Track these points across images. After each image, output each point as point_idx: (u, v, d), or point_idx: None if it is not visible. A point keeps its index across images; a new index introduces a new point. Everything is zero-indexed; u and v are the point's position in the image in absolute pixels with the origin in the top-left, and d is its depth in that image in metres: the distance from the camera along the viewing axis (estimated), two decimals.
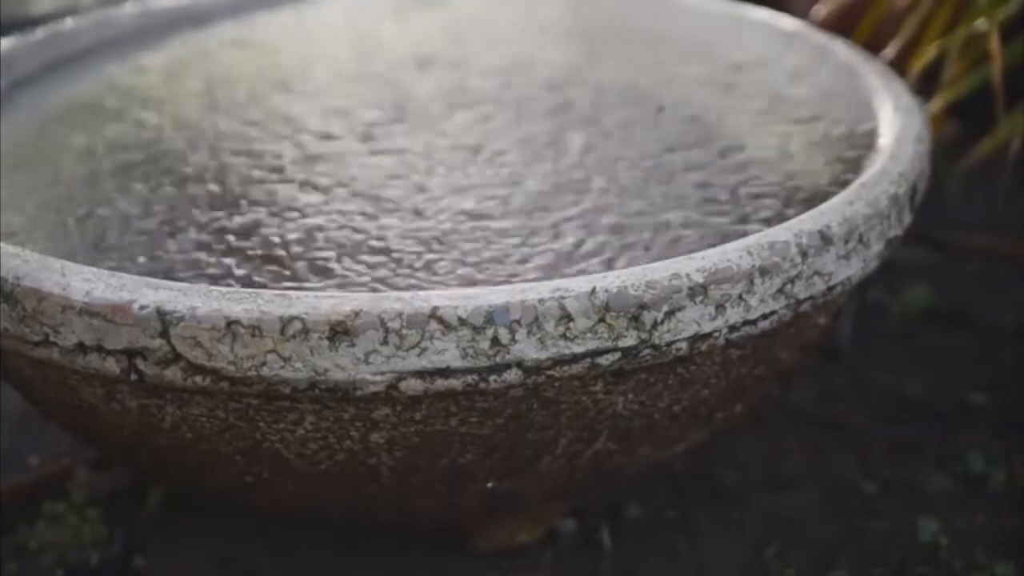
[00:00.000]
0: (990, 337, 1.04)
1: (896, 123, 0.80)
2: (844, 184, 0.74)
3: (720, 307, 0.64)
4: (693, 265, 0.64)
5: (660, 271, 0.63)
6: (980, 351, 1.02)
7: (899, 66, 0.99)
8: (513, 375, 0.62)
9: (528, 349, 0.61)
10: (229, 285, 0.69)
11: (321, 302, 0.61)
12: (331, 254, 0.73)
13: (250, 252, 0.73)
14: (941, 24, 1.01)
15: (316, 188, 0.80)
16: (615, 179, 0.81)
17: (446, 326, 0.60)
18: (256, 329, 0.60)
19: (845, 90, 0.88)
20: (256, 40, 1.04)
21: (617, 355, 0.63)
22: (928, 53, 1.00)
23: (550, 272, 0.70)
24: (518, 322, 0.61)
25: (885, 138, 0.79)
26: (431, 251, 0.73)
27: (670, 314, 0.63)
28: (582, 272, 0.70)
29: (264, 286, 0.69)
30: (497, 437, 0.66)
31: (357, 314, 0.60)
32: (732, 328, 0.65)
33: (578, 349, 0.62)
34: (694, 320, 0.64)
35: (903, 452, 0.91)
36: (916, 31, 1.02)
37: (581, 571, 0.81)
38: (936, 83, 1.00)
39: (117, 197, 0.79)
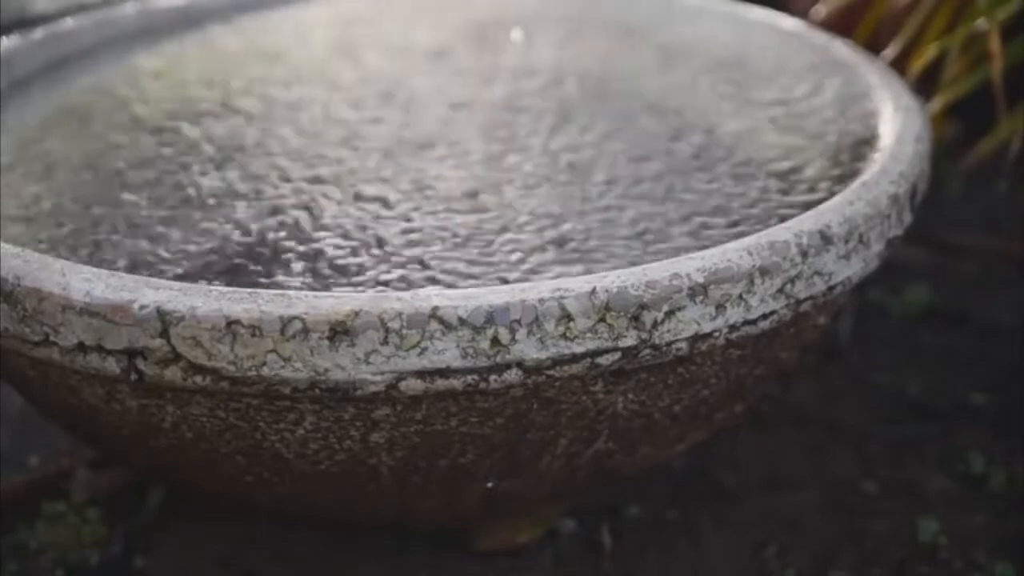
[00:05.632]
0: (990, 337, 1.04)
1: (896, 123, 0.80)
2: (844, 184, 0.75)
3: (720, 307, 0.64)
4: (693, 265, 0.64)
5: (660, 271, 0.63)
6: (980, 351, 1.02)
7: (899, 66, 0.99)
8: (513, 375, 0.62)
9: (528, 349, 0.61)
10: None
11: (321, 302, 0.61)
12: None
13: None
14: (941, 24, 1.01)
15: None
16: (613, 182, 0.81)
17: (446, 326, 0.60)
18: (256, 329, 0.60)
19: (845, 90, 0.88)
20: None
21: (617, 355, 0.63)
22: (928, 53, 1.00)
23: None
24: (518, 322, 0.61)
25: (885, 138, 0.79)
26: None
27: (670, 314, 0.63)
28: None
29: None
30: (497, 437, 0.66)
31: (357, 314, 0.60)
32: (732, 328, 0.65)
33: (578, 349, 0.62)
34: (694, 320, 0.64)
35: (903, 452, 0.91)
36: (916, 31, 1.02)
37: (581, 571, 0.81)
38: (936, 83, 1.00)
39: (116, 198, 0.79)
